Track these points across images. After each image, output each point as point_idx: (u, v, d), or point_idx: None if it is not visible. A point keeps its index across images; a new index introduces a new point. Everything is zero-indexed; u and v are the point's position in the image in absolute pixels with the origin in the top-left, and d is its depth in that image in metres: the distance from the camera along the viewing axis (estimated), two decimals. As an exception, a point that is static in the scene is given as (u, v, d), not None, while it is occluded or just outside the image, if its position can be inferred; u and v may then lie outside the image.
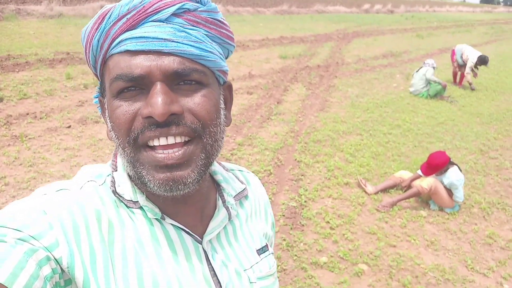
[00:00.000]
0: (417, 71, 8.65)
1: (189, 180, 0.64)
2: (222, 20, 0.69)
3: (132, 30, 0.62)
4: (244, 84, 8.15)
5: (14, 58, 8.16)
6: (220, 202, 0.80)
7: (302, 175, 4.62)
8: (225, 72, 0.72)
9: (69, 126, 5.36)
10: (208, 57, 0.65)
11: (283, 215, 3.82)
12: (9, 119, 5.34)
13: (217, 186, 0.83)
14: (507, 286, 3.26)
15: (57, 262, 0.60)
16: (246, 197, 0.88)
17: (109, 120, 0.68)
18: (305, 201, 4.09)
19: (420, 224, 3.95)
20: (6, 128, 5.10)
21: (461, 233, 3.88)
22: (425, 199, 4.37)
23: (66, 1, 16.58)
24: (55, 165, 4.34)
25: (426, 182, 4.16)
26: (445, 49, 15.65)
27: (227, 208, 0.80)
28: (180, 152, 0.63)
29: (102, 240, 0.65)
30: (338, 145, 5.55)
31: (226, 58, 0.74)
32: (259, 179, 4.28)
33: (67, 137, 5.06)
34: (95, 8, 15.50)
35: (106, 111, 0.69)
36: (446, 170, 4.21)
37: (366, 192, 4.39)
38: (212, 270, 0.74)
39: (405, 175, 4.51)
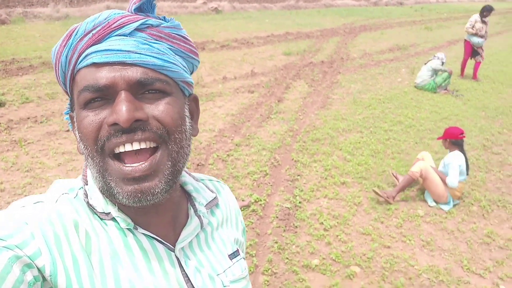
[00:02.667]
0: (425, 64, 8.58)
1: (157, 190, 0.67)
2: (185, 36, 0.74)
3: (97, 44, 0.66)
4: (246, 83, 8.12)
5: (18, 61, 8.25)
6: (192, 211, 0.84)
7: (299, 175, 4.59)
8: (189, 84, 0.76)
9: (68, 130, 5.39)
10: (170, 67, 0.69)
11: (277, 217, 3.80)
12: (10, 124, 5.40)
13: (188, 196, 0.87)
14: (504, 287, 3.20)
15: (40, 270, 0.62)
16: (217, 205, 0.92)
17: (77, 132, 0.70)
18: (299, 202, 4.07)
19: (417, 223, 3.90)
20: (6, 133, 5.16)
21: (459, 233, 3.82)
22: (422, 189, 4.37)
23: (72, 2, 16.70)
24: (52, 169, 4.37)
25: (416, 166, 4.24)
26: (454, 41, 15.41)
27: (199, 217, 0.83)
28: (146, 164, 0.66)
29: (82, 248, 0.68)
30: (337, 144, 5.50)
31: (192, 72, 0.78)
32: (255, 180, 4.30)
33: (66, 141, 5.10)
34: (101, 8, 15.59)
35: (75, 124, 0.72)
36: (454, 146, 4.26)
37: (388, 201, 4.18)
38: (186, 276, 0.77)
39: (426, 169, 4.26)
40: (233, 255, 0.89)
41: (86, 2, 17.21)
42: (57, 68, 0.72)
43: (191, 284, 0.77)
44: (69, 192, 0.75)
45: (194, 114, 0.82)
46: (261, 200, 4.02)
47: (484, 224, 3.99)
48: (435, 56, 8.52)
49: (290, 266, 3.23)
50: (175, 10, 18.21)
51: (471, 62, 9.69)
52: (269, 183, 4.38)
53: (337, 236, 3.62)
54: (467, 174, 4.28)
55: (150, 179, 0.66)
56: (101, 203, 0.73)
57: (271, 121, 6.19)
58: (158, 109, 0.68)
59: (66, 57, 0.69)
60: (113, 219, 0.73)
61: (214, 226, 0.88)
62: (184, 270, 0.77)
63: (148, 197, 0.67)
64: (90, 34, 0.67)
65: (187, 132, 0.73)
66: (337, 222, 3.81)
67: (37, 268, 0.62)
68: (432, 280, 3.19)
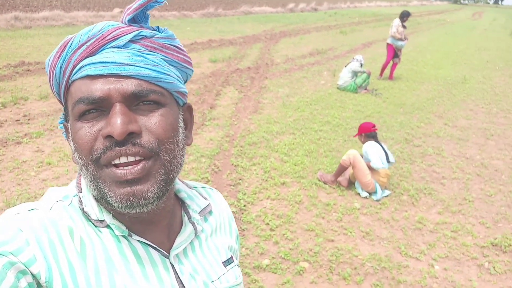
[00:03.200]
0: (345, 66, 9.08)
1: (149, 195, 0.67)
2: (179, 46, 0.75)
3: (91, 56, 0.67)
4: (176, 91, 8.05)
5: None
6: (186, 218, 0.84)
7: (240, 179, 4.65)
8: (183, 94, 0.77)
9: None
10: (165, 79, 0.70)
11: (223, 222, 3.82)
12: None
13: (181, 203, 0.88)
14: (438, 267, 3.49)
15: (34, 277, 0.62)
16: (210, 212, 0.92)
17: (72, 142, 0.71)
18: (244, 205, 4.13)
19: (355, 216, 4.12)
20: None
21: (394, 221, 4.10)
22: (353, 179, 4.66)
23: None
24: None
25: (346, 154, 4.59)
26: (367, 43, 16.43)
27: (193, 224, 0.84)
28: (139, 167, 0.67)
29: (78, 254, 0.68)
30: (273, 146, 5.65)
31: (186, 81, 0.79)
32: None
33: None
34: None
35: (70, 134, 0.72)
36: (368, 138, 4.68)
37: (331, 184, 4.66)
38: (180, 283, 0.77)
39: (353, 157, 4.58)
40: (227, 262, 0.90)
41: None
42: (51, 79, 0.72)
43: None
44: (64, 200, 0.75)
45: (188, 123, 0.83)
46: (206, 207, 4.02)
47: (415, 211, 4.32)
48: (354, 58, 9.05)
49: (242, 269, 3.27)
50: (91, 19, 17.52)
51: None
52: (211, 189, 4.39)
53: (284, 234, 3.73)
54: (389, 162, 4.57)
55: (142, 182, 0.67)
56: (96, 211, 0.74)
57: (206, 128, 6.20)
58: (151, 121, 0.68)
59: (61, 68, 0.69)
60: (108, 226, 0.74)
61: (208, 233, 0.89)
62: (178, 277, 0.78)
63: (140, 201, 0.67)
64: (84, 46, 0.67)
65: (180, 142, 0.74)
66: (282, 221, 3.92)
67: (32, 274, 0.62)
68: (375, 268, 3.40)
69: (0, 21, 14.26)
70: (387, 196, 4.56)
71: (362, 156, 4.57)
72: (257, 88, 8.76)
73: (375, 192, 4.50)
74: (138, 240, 0.75)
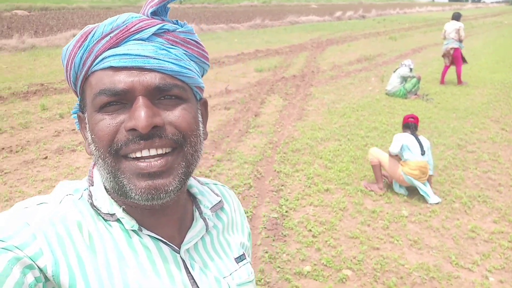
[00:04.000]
0: (394, 72, 8.84)
1: (170, 188, 0.67)
2: (198, 40, 0.75)
3: (115, 47, 0.66)
4: (222, 100, 8.15)
5: (-14, 93, 8.05)
6: (197, 213, 0.83)
7: (282, 186, 4.61)
8: (201, 89, 0.77)
9: (46, 157, 5.28)
10: (187, 73, 0.70)
11: (265, 227, 3.79)
12: (-18, 155, 5.24)
13: (193, 199, 0.86)
14: (493, 279, 3.26)
15: (41, 270, 0.62)
16: (222, 209, 0.91)
17: (89, 134, 0.70)
18: (286, 211, 4.07)
19: (403, 224, 3.95)
20: (-21, 165, 5.00)
21: (444, 230, 3.89)
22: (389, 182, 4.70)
23: (37, 33, 16.49)
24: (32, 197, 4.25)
25: (368, 153, 4.68)
26: (418, 48, 15.95)
27: (204, 219, 0.83)
28: (162, 160, 0.66)
29: (87, 248, 0.67)
30: (317, 152, 5.56)
31: (202, 76, 0.79)
32: (239, 193, 4.29)
33: (44, 168, 4.98)
34: (67, 37, 15.44)
35: (87, 125, 0.72)
36: (405, 129, 4.61)
37: (378, 192, 4.57)
38: (191, 278, 0.76)
39: (376, 153, 4.61)
40: (240, 258, 0.88)
41: (52, 32, 17.04)
42: (68, 68, 0.71)
43: (197, 286, 0.76)
44: (74, 193, 0.74)
45: (204, 119, 0.82)
46: (247, 212, 4.01)
47: (468, 219, 4.08)
48: (402, 63, 8.79)
49: (283, 275, 3.21)
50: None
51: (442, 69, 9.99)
52: (254, 195, 4.38)
53: (326, 241, 3.64)
54: (422, 154, 4.38)
55: (165, 176, 0.67)
56: (106, 204, 0.73)
57: (250, 135, 6.22)
58: (174, 114, 0.68)
59: (81, 58, 0.68)
60: (118, 220, 0.73)
61: (220, 229, 0.88)
62: (189, 272, 0.77)
63: (162, 195, 0.67)
64: (108, 37, 0.66)
65: (201, 137, 0.75)
66: (325, 228, 3.83)
67: (39, 268, 0.61)
68: (423, 278, 3.23)
69: (60, 40, 15.13)
70: (437, 203, 4.34)
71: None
72: (302, 95, 8.70)
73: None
74: (148, 235, 0.74)
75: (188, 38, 0.72)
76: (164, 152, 0.67)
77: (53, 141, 5.90)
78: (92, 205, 0.73)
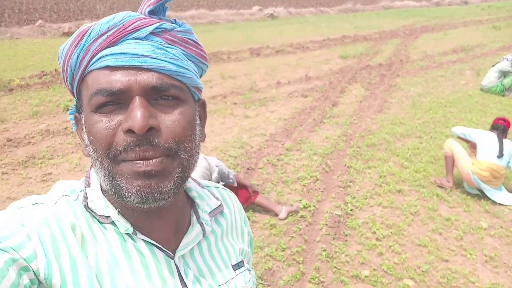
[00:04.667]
0: (493, 65, 8.06)
1: (165, 189, 0.65)
2: (196, 40, 0.73)
3: (112, 46, 0.65)
4: (300, 87, 8.02)
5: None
6: (194, 218, 0.81)
7: (351, 182, 4.42)
8: (199, 89, 0.75)
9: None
10: (185, 73, 0.68)
11: (326, 224, 3.66)
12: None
13: (191, 202, 0.85)
14: None
15: (35, 273, 0.62)
16: (222, 213, 0.90)
17: (86, 135, 0.69)
18: (351, 210, 3.90)
19: (480, 236, 3.60)
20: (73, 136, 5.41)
21: (528, 248, 3.49)
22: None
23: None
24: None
25: (445, 144, 4.51)
26: (525, 40, 14.39)
27: (201, 224, 0.81)
28: (158, 160, 0.65)
29: (80, 250, 0.67)
30: (394, 149, 5.26)
31: (201, 76, 0.77)
32: (304, 185, 4.19)
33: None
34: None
35: (83, 126, 0.71)
36: (492, 130, 4.32)
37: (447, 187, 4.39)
38: (185, 285, 0.75)
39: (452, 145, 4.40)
40: (237, 265, 0.86)
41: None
42: (65, 68, 0.70)
43: None
44: (70, 194, 0.74)
45: (202, 120, 0.80)
46: (310, 206, 3.90)
47: (558, 239, 3.61)
48: (504, 57, 7.96)
49: (339, 276, 3.09)
50: (232, 17, 18.46)
51: None
52: (319, 189, 4.25)
53: (390, 246, 3.43)
54: (499, 157, 4.07)
55: (160, 177, 0.65)
56: (102, 206, 0.72)
57: (324, 125, 6.05)
58: (171, 119, 0.66)
59: (77, 57, 0.67)
60: (113, 223, 0.72)
61: (218, 235, 0.86)
62: (183, 280, 0.75)
63: (156, 195, 0.65)
64: (105, 36, 0.65)
65: (197, 140, 0.72)
66: (391, 232, 3.61)
67: (33, 270, 0.62)
68: (496, 299, 2.93)
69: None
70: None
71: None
72: (386, 86, 8.27)
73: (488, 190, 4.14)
74: (143, 239, 0.73)
75: (186, 38, 0.71)
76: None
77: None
78: (86, 207, 0.72)
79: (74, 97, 0.74)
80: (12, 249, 0.60)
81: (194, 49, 0.72)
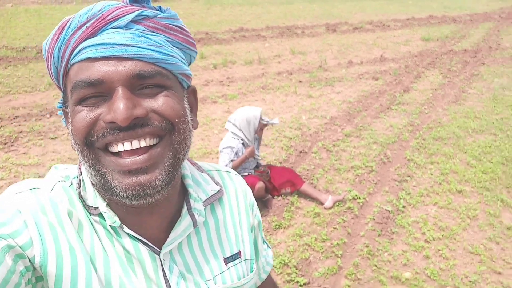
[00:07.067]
0: None
1: (157, 183, 0.64)
2: (182, 26, 0.71)
3: (91, 38, 0.64)
4: (372, 69, 7.69)
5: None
6: (184, 209, 0.78)
7: (409, 176, 4.21)
8: (188, 76, 0.73)
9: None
10: (169, 60, 0.67)
11: (373, 219, 3.54)
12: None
13: (185, 192, 0.82)
14: None
15: (30, 260, 0.63)
16: (220, 200, 0.87)
17: (71, 127, 0.69)
18: (403, 206, 3.73)
19: (544, 251, 3.30)
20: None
21: None
22: None
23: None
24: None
25: None
26: None
27: (192, 216, 0.78)
28: (145, 155, 0.64)
29: (77, 237, 0.69)
30: (463, 145, 4.90)
31: (190, 63, 0.76)
32: (358, 175, 4.06)
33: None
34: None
35: (69, 120, 0.70)
36: None
37: None
38: (168, 282, 0.75)
39: None
40: (231, 258, 0.84)
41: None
42: (49, 63, 0.70)
43: None
44: (65, 180, 0.74)
45: (193, 107, 0.78)
46: (359, 198, 3.78)
47: None
48: None
49: (377, 275, 2.99)
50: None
51: None
52: (373, 180, 4.10)
53: (439, 250, 3.24)
54: None
55: (149, 171, 0.64)
56: (91, 196, 0.72)
57: (390, 112, 5.77)
58: (158, 102, 0.65)
59: (59, 51, 0.66)
60: (100, 214, 0.72)
61: (212, 225, 0.83)
62: (166, 276, 0.74)
63: (148, 191, 0.64)
64: (84, 27, 0.64)
65: (189, 123, 0.71)
66: (442, 235, 3.41)
67: (28, 257, 0.63)
68: (549, 324, 2.68)
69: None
70: None
71: None
72: (467, 74, 7.68)
73: None
74: (128, 234, 0.72)
75: (170, 24, 0.69)
76: (148, 145, 0.65)
77: (200, 90, 6.33)
78: (79, 194, 0.72)
79: (61, 91, 0.74)
80: (9, 236, 0.61)
81: (180, 35, 0.70)
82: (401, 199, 3.83)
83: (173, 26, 0.69)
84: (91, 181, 0.71)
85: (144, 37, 0.65)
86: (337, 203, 3.67)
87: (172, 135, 0.66)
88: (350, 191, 3.87)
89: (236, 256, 0.84)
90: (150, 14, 0.66)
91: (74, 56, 0.65)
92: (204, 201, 0.81)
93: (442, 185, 4.09)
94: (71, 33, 0.65)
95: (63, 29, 0.66)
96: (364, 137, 4.93)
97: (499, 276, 3.04)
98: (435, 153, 4.71)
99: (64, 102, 0.74)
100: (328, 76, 7.15)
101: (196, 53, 0.75)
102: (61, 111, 0.78)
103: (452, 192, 4.00)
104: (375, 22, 11.96)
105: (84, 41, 0.64)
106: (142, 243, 0.73)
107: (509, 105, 6.27)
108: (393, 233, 3.41)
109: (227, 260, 0.83)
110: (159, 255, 0.74)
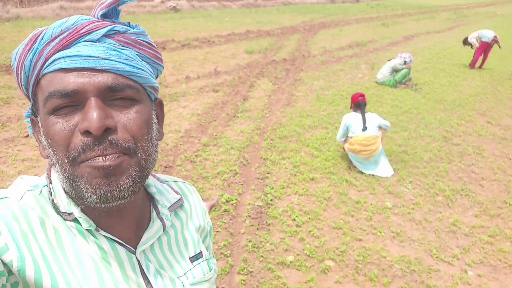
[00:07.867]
0: (389, 60, 8.83)
1: (124, 187, 0.67)
2: (150, 42, 0.75)
3: (65, 49, 0.66)
4: (210, 82, 8.05)
5: (-32, 65, 7.82)
6: (154, 213, 0.84)
7: (268, 173, 4.60)
8: (155, 89, 0.77)
9: (27, 136, 5.17)
10: (139, 73, 0.70)
11: (249, 216, 3.78)
12: (-38, 131, 5.11)
13: (151, 198, 0.87)
14: (472, 273, 3.32)
15: (6, 265, 0.64)
16: (181, 206, 0.93)
17: (44, 138, 0.70)
18: (271, 200, 4.07)
19: (386, 216, 3.98)
20: (-41, 141, 4.88)
21: (426, 223, 3.93)
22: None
23: (23, 2, 16.02)
24: (12, 178, 4.17)
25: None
26: (409, 36, 15.91)
27: (161, 220, 0.84)
28: (115, 155, 0.66)
29: (49, 244, 0.69)
30: (304, 140, 5.55)
31: (156, 77, 0.80)
32: (225, 179, 4.26)
33: (25, 147, 4.87)
34: (54, 9, 15.05)
35: (40, 129, 0.71)
36: (356, 108, 4.94)
37: None
38: (146, 279, 0.78)
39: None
40: (195, 257, 0.90)
41: (38, 2, 16.56)
42: (19, 72, 0.70)
43: (152, 287, 0.78)
44: (34, 189, 0.75)
45: (160, 119, 0.83)
46: (232, 200, 3.99)
47: (450, 213, 4.13)
48: (400, 55, 8.71)
49: (266, 264, 3.22)
50: (132, 9, 17.82)
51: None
52: (239, 182, 4.36)
53: (310, 231, 3.65)
54: (363, 130, 4.72)
55: (118, 174, 0.66)
56: (64, 203, 0.73)
57: (237, 119, 6.17)
58: (127, 118, 0.68)
59: (31, 61, 0.68)
60: (75, 219, 0.73)
61: (178, 228, 0.89)
62: (145, 273, 0.78)
63: (115, 193, 0.66)
64: (58, 39, 0.66)
65: (154, 139, 0.74)
66: (309, 218, 3.84)
67: (3, 263, 0.63)
68: (404, 270, 3.27)
69: (46, 11, 14.70)
70: (389, 176, 4.72)
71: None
72: (291, 80, 8.64)
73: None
74: (104, 236, 0.75)
75: (140, 40, 0.72)
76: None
77: (36, 118, 5.77)
78: (52, 202, 0.73)
79: (30, 100, 0.75)
80: None
81: (148, 50, 0.74)
82: (267, 193, 4.16)
83: (142, 42, 0.73)
84: (64, 188, 0.72)
85: (116, 51, 0.68)
86: (213, 208, 3.81)
87: (137, 153, 0.69)
88: (222, 195, 4.05)
89: (199, 255, 0.91)
90: (121, 30, 0.70)
91: (47, 66, 0.66)
92: (169, 207, 0.88)
93: (297, 176, 4.58)
94: (44, 44, 0.66)
95: (36, 40, 0.67)
96: (221, 145, 5.18)
97: (360, 242, 3.58)
98: (284, 150, 5.22)
99: (33, 111, 0.74)
100: (170, 92, 7.25)
101: (163, 67, 0.81)
102: (29, 120, 0.78)
103: (307, 180, 4.51)
104: (200, 38, 12.47)
105: (57, 52, 0.66)
106: (118, 243, 0.77)
107: (330, 103, 7.28)
108: (269, 224, 3.71)
109: (192, 259, 0.89)
110: (134, 254, 0.78)
